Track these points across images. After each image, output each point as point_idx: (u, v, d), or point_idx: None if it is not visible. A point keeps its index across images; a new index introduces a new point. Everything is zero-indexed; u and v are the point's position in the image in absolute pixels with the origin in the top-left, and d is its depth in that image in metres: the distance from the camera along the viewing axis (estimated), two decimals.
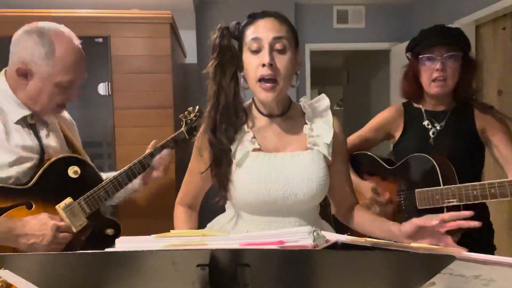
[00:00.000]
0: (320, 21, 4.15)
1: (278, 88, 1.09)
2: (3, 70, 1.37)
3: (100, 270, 0.63)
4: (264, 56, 1.07)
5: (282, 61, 1.08)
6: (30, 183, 1.32)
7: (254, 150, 1.15)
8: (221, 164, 1.15)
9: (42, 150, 1.37)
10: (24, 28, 1.33)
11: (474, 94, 1.57)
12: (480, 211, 1.54)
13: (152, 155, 1.62)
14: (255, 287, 0.60)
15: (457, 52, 1.48)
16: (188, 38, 3.47)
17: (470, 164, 1.51)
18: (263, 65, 1.06)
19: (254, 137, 1.16)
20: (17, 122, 1.33)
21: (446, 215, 1.06)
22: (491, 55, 3.08)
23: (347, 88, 6.30)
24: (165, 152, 1.62)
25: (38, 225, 1.26)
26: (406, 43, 1.62)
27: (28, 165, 1.33)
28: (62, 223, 1.33)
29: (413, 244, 0.61)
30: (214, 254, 0.58)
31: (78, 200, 1.41)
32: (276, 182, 1.10)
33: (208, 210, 1.37)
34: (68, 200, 1.38)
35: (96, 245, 1.45)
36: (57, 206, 1.36)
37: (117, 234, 1.51)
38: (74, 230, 1.38)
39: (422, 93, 1.59)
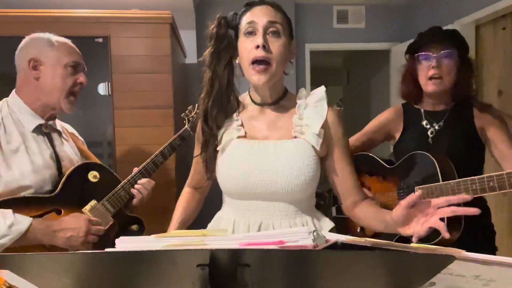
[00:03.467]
0: (320, 21, 4.15)
1: (271, 71, 1.10)
2: (13, 90, 1.49)
3: (101, 270, 0.63)
4: (258, 38, 1.09)
5: (275, 44, 1.10)
6: (56, 191, 1.42)
7: (239, 137, 1.17)
8: (207, 149, 1.20)
9: (57, 157, 1.48)
10: (25, 38, 1.48)
11: (473, 94, 1.57)
12: (482, 213, 1.54)
13: (163, 154, 1.70)
14: (255, 287, 0.60)
15: (452, 50, 1.49)
16: (188, 38, 3.47)
17: (469, 163, 1.51)
18: (257, 46, 1.08)
19: (241, 125, 1.18)
20: (33, 131, 1.44)
21: (439, 199, 0.98)
22: (491, 55, 3.08)
23: (347, 88, 6.30)
24: (143, 180, 1.61)
25: (72, 219, 1.38)
26: (406, 43, 1.63)
27: (47, 172, 1.42)
28: (93, 218, 1.44)
29: (413, 244, 0.61)
30: (214, 254, 0.58)
31: (101, 201, 1.51)
32: (255, 168, 1.11)
33: (210, 208, 1.38)
34: (93, 202, 1.48)
35: None
36: (83, 209, 1.46)
37: (141, 229, 1.62)
38: (103, 229, 1.47)
39: (420, 93, 1.60)
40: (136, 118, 2.38)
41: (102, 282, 0.65)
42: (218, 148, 1.19)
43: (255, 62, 1.09)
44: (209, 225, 1.29)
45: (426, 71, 1.51)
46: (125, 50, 2.37)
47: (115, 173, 1.60)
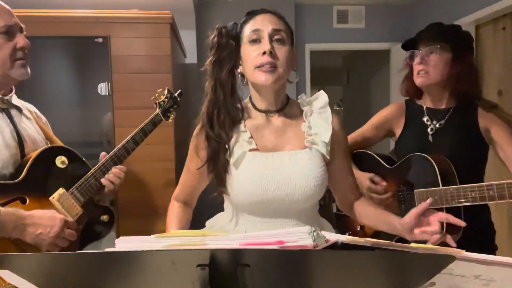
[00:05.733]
0: (320, 21, 4.15)
1: (277, 73, 1.10)
2: None
3: (100, 270, 0.63)
4: (265, 45, 1.09)
5: (281, 51, 1.11)
6: (20, 177, 1.31)
7: (251, 150, 1.15)
8: (218, 159, 1.15)
9: (19, 136, 1.36)
10: None
11: (475, 93, 1.54)
12: (481, 211, 1.54)
13: (134, 139, 1.66)
14: (255, 287, 0.60)
15: (438, 44, 1.49)
16: (188, 38, 3.47)
17: (471, 163, 1.50)
18: (264, 53, 1.08)
19: (251, 137, 1.17)
20: None
21: (441, 214, 1.15)
22: (491, 55, 3.08)
23: (347, 88, 6.30)
24: (115, 170, 1.52)
25: (46, 216, 1.29)
26: None
27: (7, 152, 1.31)
28: (70, 219, 1.35)
29: (413, 244, 0.61)
30: (214, 254, 0.58)
31: (71, 190, 1.42)
32: (273, 182, 1.11)
33: (207, 207, 1.38)
34: (61, 190, 1.39)
35: (93, 232, 1.51)
36: (51, 198, 1.37)
37: (111, 220, 1.54)
38: (71, 219, 1.38)
39: (420, 90, 1.59)
40: (136, 118, 2.37)
41: (102, 282, 0.65)
42: (230, 163, 1.15)
43: (261, 65, 1.09)
44: (208, 223, 1.29)
45: (416, 67, 1.54)
46: (125, 50, 2.37)
47: (84, 159, 1.52)
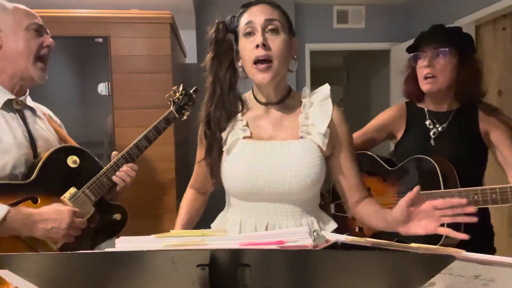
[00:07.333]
0: (320, 21, 4.16)
1: (273, 68, 1.09)
2: None
3: (100, 270, 0.63)
4: (257, 37, 1.09)
5: (275, 42, 1.09)
6: (32, 177, 1.33)
7: (245, 137, 1.16)
8: (211, 153, 1.19)
9: (31, 137, 1.38)
10: None
11: (478, 96, 1.52)
12: (480, 213, 1.53)
13: (146, 137, 1.63)
14: (255, 287, 0.60)
15: (447, 48, 1.46)
16: (188, 38, 3.47)
17: (472, 166, 1.49)
18: (257, 46, 1.08)
19: (246, 125, 1.18)
20: (2, 108, 1.35)
21: (437, 201, 0.99)
22: (491, 55, 3.08)
23: (347, 88, 6.30)
24: (125, 168, 1.53)
25: (54, 210, 1.30)
26: (406, 43, 1.62)
27: (19, 152, 1.33)
28: (77, 209, 1.36)
29: (413, 244, 0.61)
30: (214, 254, 0.58)
31: (82, 189, 1.43)
32: (263, 169, 1.10)
33: (212, 208, 1.39)
34: (73, 190, 1.40)
35: (105, 231, 1.51)
36: (62, 197, 1.38)
37: (124, 219, 1.55)
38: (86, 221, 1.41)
39: (422, 92, 1.58)
40: (136, 118, 2.38)
41: (102, 282, 0.65)
42: (224, 149, 1.18)
43: (257, 61, 1.09)
44: (213, 226, 1.29)
45: (421, 70, 1.50)
46: (125, 50, 2.37)
47: (96, 158, 1.52)
